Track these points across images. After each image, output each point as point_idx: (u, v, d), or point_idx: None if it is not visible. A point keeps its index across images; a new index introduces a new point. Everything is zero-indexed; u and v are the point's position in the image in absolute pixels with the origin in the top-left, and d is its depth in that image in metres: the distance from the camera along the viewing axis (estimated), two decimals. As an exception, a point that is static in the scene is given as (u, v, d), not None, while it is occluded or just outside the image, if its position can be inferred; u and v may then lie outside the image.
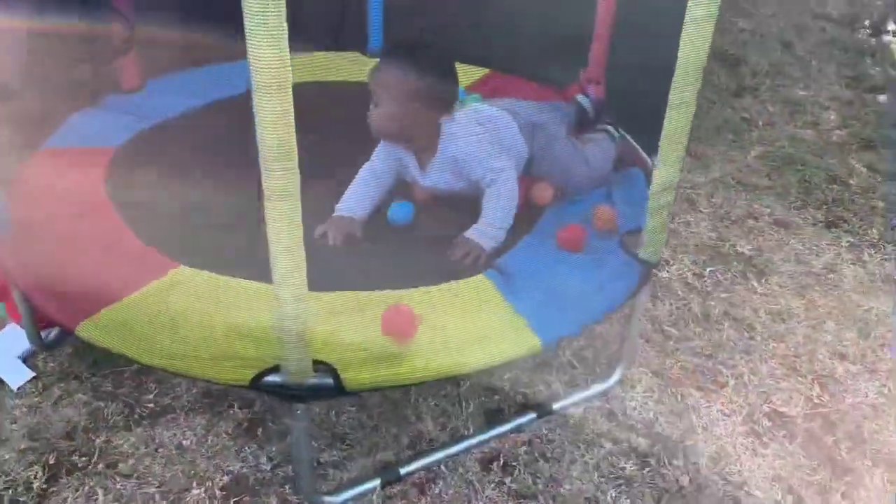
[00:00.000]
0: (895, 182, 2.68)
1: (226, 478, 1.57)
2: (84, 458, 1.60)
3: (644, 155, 2.07)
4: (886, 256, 2.32)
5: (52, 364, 1.84)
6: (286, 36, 0.99)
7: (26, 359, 1.85)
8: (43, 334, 1.83)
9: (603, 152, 1.95)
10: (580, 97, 2.19)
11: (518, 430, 1.69)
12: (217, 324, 1.38)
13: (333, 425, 1.69)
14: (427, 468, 1.60)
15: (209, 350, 1.34)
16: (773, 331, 2.01)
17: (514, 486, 1.58)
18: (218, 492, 1.54)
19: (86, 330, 1.37)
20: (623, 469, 1.64)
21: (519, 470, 1.62)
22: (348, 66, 2.49)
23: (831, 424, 1.76)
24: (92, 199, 1.72)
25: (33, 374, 1.81)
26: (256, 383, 1.31)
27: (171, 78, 2.36)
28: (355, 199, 1.78)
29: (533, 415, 1.71)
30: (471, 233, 1.69)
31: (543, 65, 2.60)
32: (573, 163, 1.88)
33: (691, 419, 1.76)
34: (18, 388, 1.76)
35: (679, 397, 1.81)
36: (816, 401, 1.81)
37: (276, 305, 1.20)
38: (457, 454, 1.63)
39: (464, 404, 1.74)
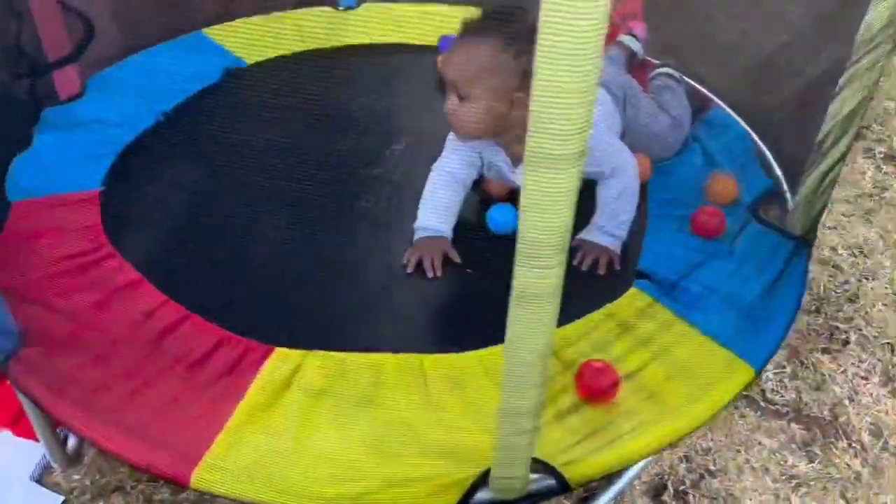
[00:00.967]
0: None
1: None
2: None
3: (707, 93, 1.83)
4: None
5: (76, 477, 1.44)
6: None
7: (41, 479, 1.43)
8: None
9: (677, 99, 1.69)
10: (626, 38, 1.90)
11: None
12: (378, 430, 1.06)
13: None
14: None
15: (376, 476, 1.01)
16: (863, 269, 1.89)
17: (696, 514, 1.40)
18: None
19: (204, 479, 1.00)
20: (793, 466, 1.48)
21: (693, 495, 1.43)
22: (323, 30, 2.06)
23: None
24: (112, 273, 1.29)
25: (61, 497, 1.40)
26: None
27: (115, 71, 1.85)
28: (439, 212, 1.44)
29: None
30: (592, 234, 1.41)
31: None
32: (659, 123, 1.62)
33: (833, 391, 1.62)
34: (50, 524, 1.36)
35: (811, 367, 1.66)
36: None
37: (503, 415, 0.89)
38: (623, 490, 1.41)
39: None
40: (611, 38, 1.96)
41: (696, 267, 1.36)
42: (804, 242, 1.41)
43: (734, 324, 1.25)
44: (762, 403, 1.58)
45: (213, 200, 1.50)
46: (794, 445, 1.51)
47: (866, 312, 1.78)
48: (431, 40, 2.02)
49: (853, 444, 1.52)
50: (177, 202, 1.49)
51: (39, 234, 1.36)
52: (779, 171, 1.59)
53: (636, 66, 1.86)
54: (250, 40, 1.99)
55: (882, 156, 2.24)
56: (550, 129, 0.66)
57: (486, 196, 1.52)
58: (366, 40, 2.03)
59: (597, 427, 1.08)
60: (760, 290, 1.31)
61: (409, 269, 1.38)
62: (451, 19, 2.02)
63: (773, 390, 1.61)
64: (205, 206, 1.48)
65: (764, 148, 1.66)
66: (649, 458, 1.30)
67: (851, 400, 1.60)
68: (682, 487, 1.44)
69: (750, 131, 1.70)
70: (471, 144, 1.44)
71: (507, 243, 1.18)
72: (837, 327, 1.75)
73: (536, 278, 0.75)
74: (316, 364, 1.16)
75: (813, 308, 1.78)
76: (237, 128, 1.69)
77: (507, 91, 1.31)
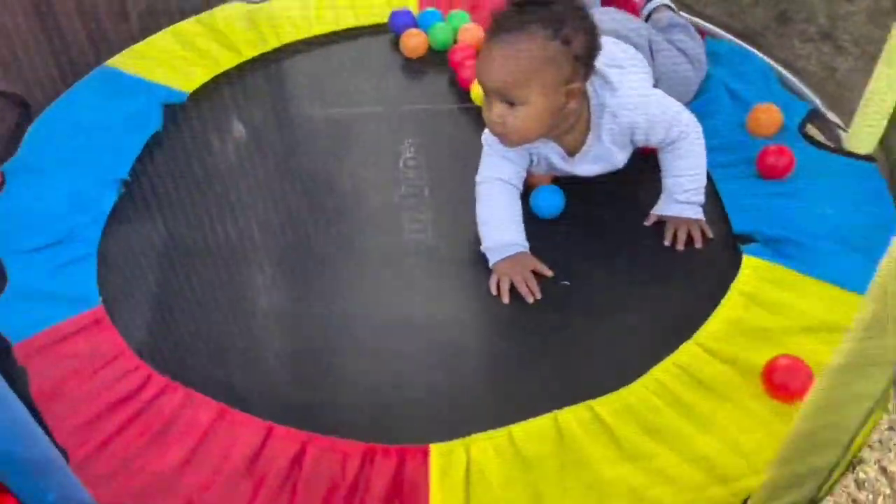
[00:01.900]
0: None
1: None
2: None
3: (702, 23, 1.73)
4: None
5: None
6: None
7: None
8: None
9: (690, 36, 1.57)
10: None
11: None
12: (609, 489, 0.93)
13: None
14: None
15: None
16: None
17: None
18: None
19: None
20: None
21: None
22: (250, 33, 1.76)
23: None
24: (183, 408, 1.05)
25: None
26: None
27: (28, 143, 1.49)
28: (507, 225, 1.27)
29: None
30: (672, 207, 1.30)
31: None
32: (682, 65, 1.51)
33: None
34: None
35: None
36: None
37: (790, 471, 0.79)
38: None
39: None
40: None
41: (788, 213, 1.29)
42: (870, 158, 1.38)
43: (861, 266, 1.19)
44: None
45: (248, 287, 1.26)
46: None
47: None
48: (380, 17, 1.78)
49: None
50: (202, 301, 1.24)
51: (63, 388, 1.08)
52: (811, 94, 1.54)
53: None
54: (171, 63, 1.67)
55: None
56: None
57: (529, 185, 1.37)
58: (306, 33, 1.76)
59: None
60: (861, 221, 1.27)
61: (506, 300, 1.22)
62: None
63: None
64: (243, 295, 1.24)
65: (785, 72, 1.60)
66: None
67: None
68: None
69: (763, 56, 1.63)
70: (521, 147, 1.27)
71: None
72: None
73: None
74: (487, 448, 1.00)
75: None
76: (218, 178, 1.43)
77: (563, 84, 1.15)
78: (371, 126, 1.55)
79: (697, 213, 1.30)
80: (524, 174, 1.32)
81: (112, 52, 1.70)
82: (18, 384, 0.72)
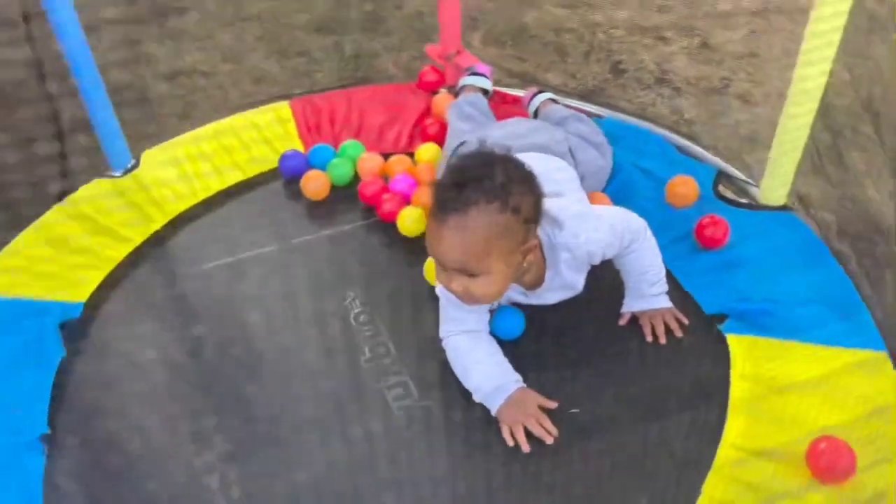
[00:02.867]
0: None
1: None
2: None
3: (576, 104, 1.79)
4: None
5: None
6: None
7: None
8: None
9: (586, 124, 1.62)
10: (470, 79, 1.76)
11: None
12: None
13: None
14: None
15: None
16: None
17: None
18: None
19: None
20: None
21: None
22: (128, 213, 1.58)
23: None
24: None
25: None
26: None
27: None
28: (493, 366, 1.22)
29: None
30: (642, 302, 1.31)
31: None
32: (593, 155, 1.54)
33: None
34: None
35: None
36: None
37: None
38: None
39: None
40: (435, 85, 1.82)
41: (746, 283, 1.35)
42: (786, 208, 1.48)
43: (831, 320, 1.27)
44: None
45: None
46: None
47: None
48: (265, 164, 1.67)
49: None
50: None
51: None
52: (713, 157, 1.64)
53: (491, 101, 1.75)
54: (48, 271, 1.45)
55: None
56: None
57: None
58: (192, 199, 1.60)
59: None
60: (812, 274, 1.35)
61: (526, 449, 1.16)
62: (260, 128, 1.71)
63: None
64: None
65: (681, 139, 1.69)
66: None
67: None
68: None
69: (654, 128, 1.71)
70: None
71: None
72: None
73: None
74: None
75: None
76: (157, 404, 1.26)
77: (519, 246, 1.14)
78: (305, 287, 1.43)
79: (667, 302, 1.32)
80: (487, 316, 1.28)
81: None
82: None
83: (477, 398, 1.21)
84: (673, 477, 1.10)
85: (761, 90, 2.37)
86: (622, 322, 1.32)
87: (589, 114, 1.68)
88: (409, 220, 1.46)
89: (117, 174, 1.66)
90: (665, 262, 1.38)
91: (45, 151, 2.12)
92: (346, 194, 1.61)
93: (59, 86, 2.34)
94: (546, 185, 1.19)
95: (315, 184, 1.59)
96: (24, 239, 1.53)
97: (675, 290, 1.35)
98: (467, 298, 1.17)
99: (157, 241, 1.53)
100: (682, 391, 1.22)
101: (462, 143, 1.47)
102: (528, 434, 1.16)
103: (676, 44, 2.61)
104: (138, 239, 1.52)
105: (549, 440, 1.16)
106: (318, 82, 2.47)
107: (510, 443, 1.16)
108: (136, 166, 1.67)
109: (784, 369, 1.21)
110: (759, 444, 1.11)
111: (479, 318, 1.26)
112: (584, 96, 2.21)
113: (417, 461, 1.16)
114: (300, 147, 1.71)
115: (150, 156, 1.70)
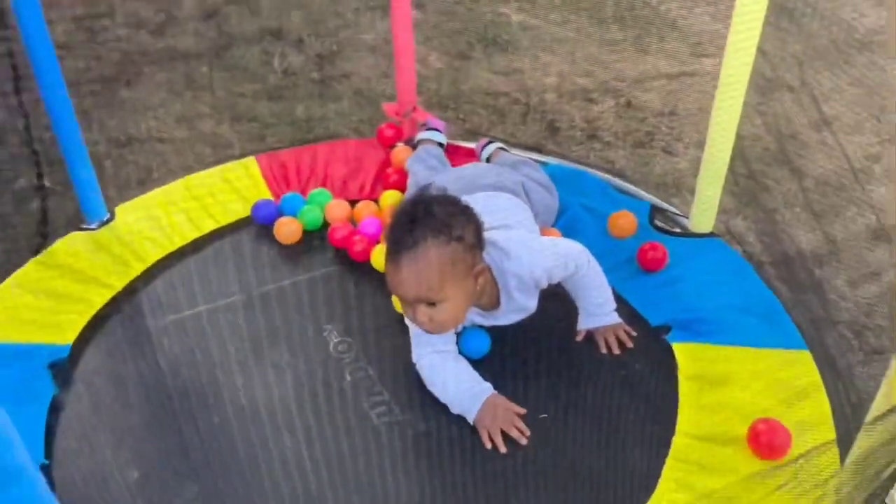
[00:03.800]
0: None
1: None
2: None
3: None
4: None
5: None
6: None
7: None
8: None
9: (532, 168, 1.80)
10: (427, 133, 1.93)
11: None
12: None
13: None
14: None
15: None
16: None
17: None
18: None
19: None
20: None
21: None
22: (104, 267, 1.66)
23: None
24: None
25: None
26: None
27: None
28: (465, 379, 1.35)
29: None
30: (593, 319, 1.46)
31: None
32: (542, 194, 1.71)
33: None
34: None
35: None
36: None
37: None
38: None
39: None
40: (394, 139, 1.97)
41: (685, 298, 1.52)
42: (713, 234, 1.68)
43: (756, 325, 1.45)
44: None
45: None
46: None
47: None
48: (236, 213, 1.78)
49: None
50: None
51: None
52: (646, 193, 1.84)
53: (445, 153, 1.92)
54: (32, 317, 1.51)
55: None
56: None
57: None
58: (170, 247, 1.69)
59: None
60: (739, 288, 1.54)
61: (503, 449, 1.28)
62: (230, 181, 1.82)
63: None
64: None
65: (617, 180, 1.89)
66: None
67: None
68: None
69: (593, 171, 1.90)
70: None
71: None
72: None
73: None
74: None
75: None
76: (148, 436, 1.32)
77: (470, 270, 1.29)
78: (285, 323, 1.53)
79: (616, 318, 1.48)
80: (454, 337, 1.41)
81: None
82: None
83: (455, 410, 1.33)
84: (636, 464, 1.24)
85: (681, 143, 2.63)
86: (579, 338, 1.47)
87: (535, 160, 1.87)
88: (383, 256, 1.58)
89: (93, 227, 1.73)
90: (613, 283, 1.54)
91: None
92: (316, 239, 1.72)
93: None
94: (496, 218, 1.35)
95: (288, 229, 1.70)
96: (5, 290, 1.58)
97: (624, 307, 1.51)
98: (433, 326, 1.30)
99: (137, 287, 1.60)
100: (637, 393, 1.37)
101: (427, 186, 1.62)
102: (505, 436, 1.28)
103: (604, 104, 2.86)
104: (119, 285, 1.59)
105: (524, 441, 1.29)
106: (271, 146, 2.59)
107: (488, 445, 1.28)
108: (111, 219, 1.76)
109: (723, 368, 1.38)
110: (707, 431, 1.27)
111: (447, 338, 1.39)
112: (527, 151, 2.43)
113: (403, 472, 1.26)
114: (270, 197, 1.82)
115: (124, 210, 1.79)
